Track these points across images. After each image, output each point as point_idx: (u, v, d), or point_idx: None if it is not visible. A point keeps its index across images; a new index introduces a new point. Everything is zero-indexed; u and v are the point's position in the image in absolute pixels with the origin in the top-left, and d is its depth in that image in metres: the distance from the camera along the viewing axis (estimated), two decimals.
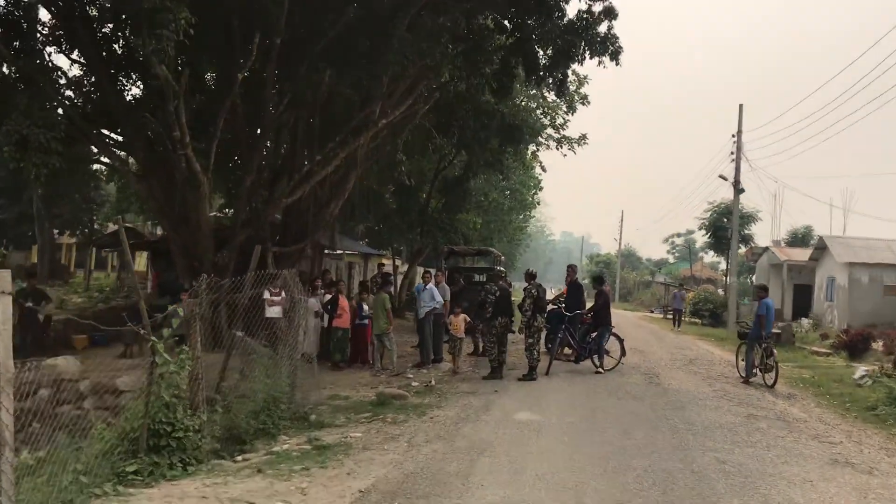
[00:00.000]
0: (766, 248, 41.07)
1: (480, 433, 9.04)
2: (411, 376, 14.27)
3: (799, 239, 48.77)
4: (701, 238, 52.72)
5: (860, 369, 15.29)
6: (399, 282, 31.06)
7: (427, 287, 15.82)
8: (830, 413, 11.60)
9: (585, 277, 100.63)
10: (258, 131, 17.29)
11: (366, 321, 15.48)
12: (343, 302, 15.43)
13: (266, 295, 15.99)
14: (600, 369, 14.66)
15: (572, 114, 35.23)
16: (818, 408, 12.06)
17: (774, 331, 17.83)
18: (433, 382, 13.23)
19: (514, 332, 14.57)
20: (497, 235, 47.72)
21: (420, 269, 29.69)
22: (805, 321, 31.48)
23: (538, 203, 55.55)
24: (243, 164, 17.17)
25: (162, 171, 16.20)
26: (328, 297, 15.86)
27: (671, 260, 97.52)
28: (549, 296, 19.01)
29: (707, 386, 13.85)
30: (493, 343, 14.00)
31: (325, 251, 29.25)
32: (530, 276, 14.27)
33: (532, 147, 35.81)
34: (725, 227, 40.46)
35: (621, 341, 15.35)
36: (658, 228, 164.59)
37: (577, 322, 15.54)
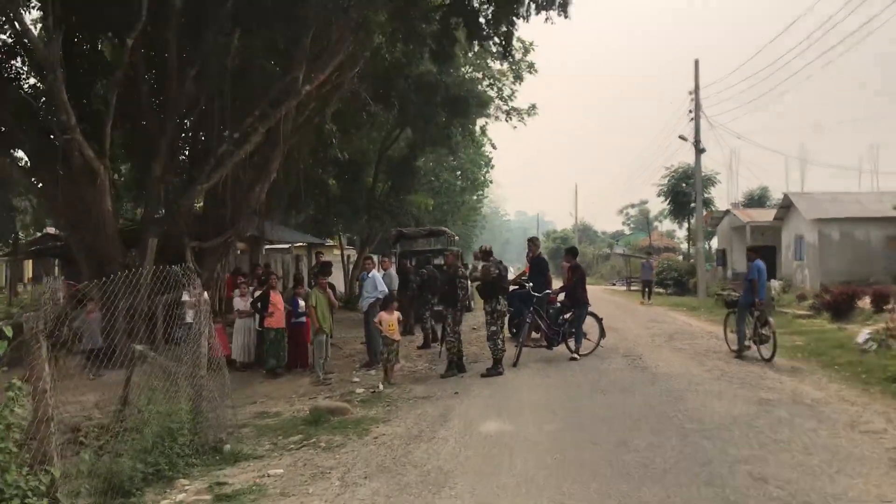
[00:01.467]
0: (727, 212, 39.74)
1: (437, 458, 7.01)
2: (357, 380, 12.20)
3: (755, 200, 47.68)
4: (659, 205, 51.56)
5: (862, 333, 13.61)
6: (350, 271, 28.86)
7: (369, 275, 13.72)
8: (849, 389, 9.83)
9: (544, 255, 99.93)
10: (164, 110, 14.96)
11: (303, 319, 13.32)
12: (275, 298, 13.26)
13: (185, 297, 13.80)
14: (576, 355, 12.74)
15: (519, 83, 33.48)
16: (833, 383, 10.29)
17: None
18: (381, 387, 11.17)
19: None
20: (451, 217, 45.84)
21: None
22: (775, 283, 30.11)
23: (490, 182, 53.79)
24: (152, 150, 14.83)
25: (53, 161, 13.81)
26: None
27: (627, 231, 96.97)
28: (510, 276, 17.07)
29: (698, 365, 12.03)
30: (456, 333, 12.01)
31: (269, 244, 26.99)
32: (486, 254, 12.27)
33: (481, 122, 33.94)
34: (685, 191, 39.07)
35: (600, 321, 13.42)
36: (612, 201, 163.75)
37: (545, 302, 13.63)
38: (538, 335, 14.01)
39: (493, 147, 48.18)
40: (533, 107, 33.80)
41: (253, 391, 12.23)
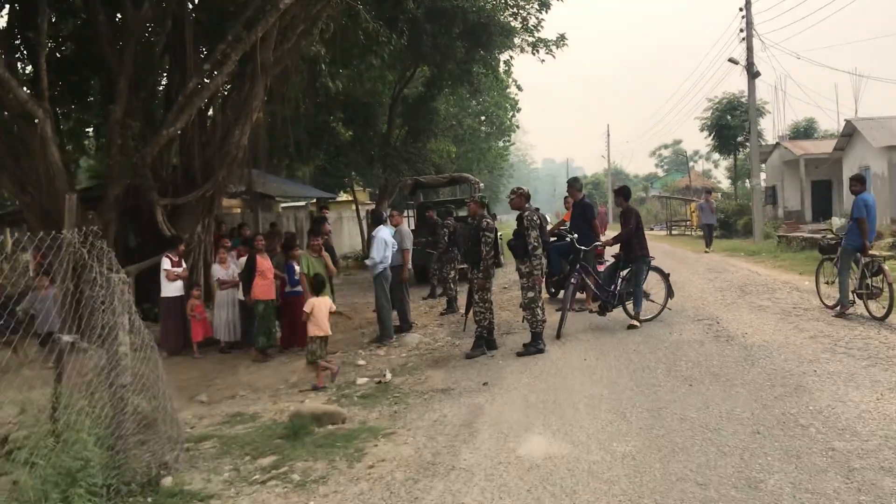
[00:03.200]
0: (776, 145, 36.45)
1: None
2: (362, 363, 9.75)
3: (801, 133, 44.13)
4: (695, 144, 48.25)
5: None
6: (367, 228, 26.34)
7: (376, 234, 11.17)
8: None
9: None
10: (121, 39, 12.40)
11: (299, 289, 10.83)
12: (263, 264, 10.79)
13: (166, 265, 11.43)
14: (636, 322, 10.14)
15: (546, 11, 30.30)
16: None
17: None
18: (388, 376, 8.67)
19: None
20: (476, 165, 43.07)
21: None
22: (836, 220, 27.11)
23: (517, 127, 50.72)
24: (110, 90, 12.34)
25: None
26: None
27: (660, 173, 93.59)
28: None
29: (795, 331, 9.36)
30: (486, 302, 9.51)
31: (283, 201, 24.50)
32: (526, 197, 9.47)
33: (504, 56, 30.83)
34: (730, 124, 35.87)
35: (666, 277, 10.77)
36: (644, 143, 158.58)
37: (592, 256, 11.03)
38: (583, 296, 11.43)
39: (519, 89, 45.20)
40: (562, 37, 30.36)
41: (235, 379, 9.87)
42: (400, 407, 7.30)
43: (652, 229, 48.29)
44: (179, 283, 11.66)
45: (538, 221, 8.95)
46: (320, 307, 8.83)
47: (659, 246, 27.60)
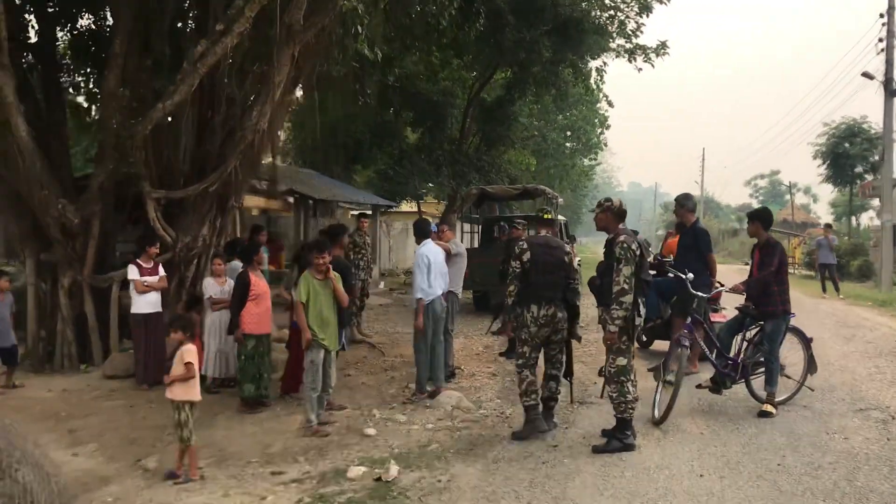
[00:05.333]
0: None
1: None
2: (372, 433, 6.93)
3: None
4: (805, 172, 43.98)
5: None
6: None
7: (418, 253, 8.34)
8: None
9: (659, 229, 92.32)
10: None
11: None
12: (259, 285, 8.12)
13: (132, 273, 9.00)
14: (769, 406, 6.99)
15: (647, 15, 27.11)
16: None
17: None
18: (393, 471, 5.68)
19: (578, 336, 6.93)
20: (559, 183, 40.09)
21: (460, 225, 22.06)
22: None
23: (605, 145, 47.37)
24: (104, 54, 10.01)
25: None
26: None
27: (755, 204, 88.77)
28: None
29: None
30: (527, 360, 6.68)
31: (340, 204, 22.04)
32: (618, 215, 6.50)
33: (596, 63, 27.72)
34: (848, 153, 31.75)
35: (808, 343, 7.59)
36: (738, 172, 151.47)
37: (705, 304, 7.96)
38: (689, 363, 8.32)
39: (610, 104, 42.07)
40: (663, 45, 27.10)
41: (207, 436, 7.20)
42: None
43: (747, 263, 44.01)
44: (154, 297, 9.15)
45: (636, 252, 5.98)
46: (181, 351, 6.02)
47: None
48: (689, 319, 7.12)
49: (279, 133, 11.39)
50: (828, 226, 22.89)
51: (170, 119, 10.58)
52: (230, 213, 11.46)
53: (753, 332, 7.27)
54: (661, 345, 10.56)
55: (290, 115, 27.20)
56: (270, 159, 11.48)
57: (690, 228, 8.83)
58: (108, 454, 6.59)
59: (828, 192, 54.33)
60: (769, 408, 6.95)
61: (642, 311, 6.13)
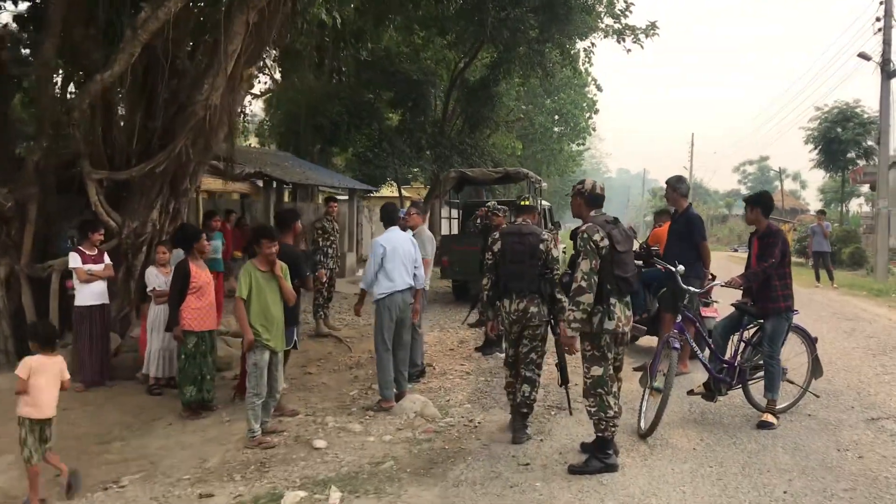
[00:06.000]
0: None
1: None
2: (322, 445, 6.10)
3: None
4: (781, 162, 43.24)
5: None
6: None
7: (375, 241, 7.49)
8: None
9: (647, 215, 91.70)
10: None
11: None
12: (200, 276, 7.26)
13: (74, 261, 8.16)
14: (770, 417, 6.19)
15: None
16: None
17: None
18: (334, 499, 4.89)
19: (557, 333, 6.07)
20: (546, 168, 39.32)
21: (444, 210, 21.07)
22: None
23: (593, 130, 46.57)
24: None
25: None
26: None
27: (743, 190, 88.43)
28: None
29: None
30: (507, 358, 6.14)
31: (321, 189, 21.09)
32: (590, 199, 5.50)
33: (584, 44, 26.79)
34: (840, 138, 31.00)
35: (812, 344, 6.74)
36: (727, 158, 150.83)
37: (696, 298, 7.15)
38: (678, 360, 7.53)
39: (599, 88, 41.31)
40: (653, 25, 26.28)
41: (141, 445, 6.42)
42: None
43: (736, 250, 43.47)
44: (99, 287, 8.29)
45: (598, 244, 5.12)
46: (46, 370, 5.24)
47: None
48: (679, 317, 6.28)
49: (239, 109, 10.40)
50: (821, 212, 22.17)
51: (121, 94, 9.71)
52: (184, 197, 10.55)
53: (751, 331, 6.45)
54: (647, 340, 9.79)
55: (265, 95, 26.30)
56: (227, 138, 10.54)
57: (683, 214, 8.01)
58: (24, 468, 5.76)
59: (817, 178, 53.65)
60: (770, 417, 6.15)
61: (625, 311, 5.27)
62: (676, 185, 8.12)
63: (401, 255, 7.34)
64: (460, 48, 22.11)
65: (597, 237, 5.11)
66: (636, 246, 6.41)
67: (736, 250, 43.62)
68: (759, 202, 6.58)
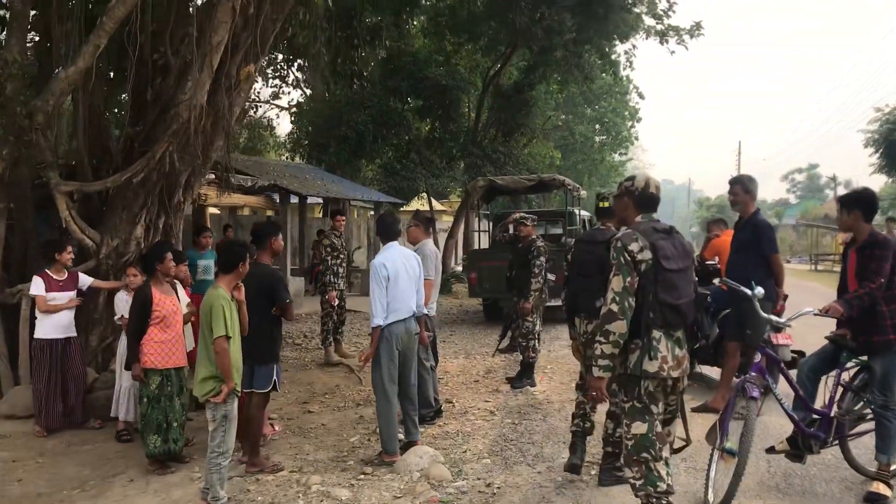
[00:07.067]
0: None
1: None
2: None
3: None
4: (858, 161, 41.08)
5: None
6: (443, 242, 21.46)
7: (375, 262, 6.16)
8: None
9: (693, 226, 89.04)
10: None
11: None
12: (164, 304, 6.04)
13: (36, 287, 7.08)
14: (882, 487, 4.69)
15: None
16: None
17: None
18: None
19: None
20: (587, 179, 37.88)
21: (485, 223, 19.68)
22: None
23: (636, 139, 44.99)
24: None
25: None
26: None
27: (792, 200, 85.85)
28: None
29: None
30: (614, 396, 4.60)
31: (352, 203, 19.95)
32: (648, 201, 4.11)
33: (625, 46, 25.33)
34: None
35: None
36: (774, 167, 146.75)
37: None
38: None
39: (641, 97, 39.90)
40: (698, 25, 24.77)
41: None
42: None
43: (789, 261, 41.33)
44: (65, 318, 7.14)
45: (633, 256, 3.81)
46: None
47: (806, 285, 21.52)
48: (757, 357, 4.84)
49: (237, 110, 9.27)
50: (891, 219, 20.29)
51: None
52: (178, 212, 9.41)
53: (852, 372, 5.00)
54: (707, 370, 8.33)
55: (291, 108, 25.34)
56: (222, 144, 9.38)
57: (749, 220, 6.56)
58: None
59: (875, 186, 51.05)
60: (881, 488, 4.67)
61: (673, 350, 3.88)
62: (748, 185, 6.58)
63: (408, 278, 6.06)
64: (492, 52, 20.90)
65: (634, 247, 3.82)
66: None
67: (789, 261, 41.49)
68: (859, 203, 5.06)
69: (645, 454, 3.82)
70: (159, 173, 8.23)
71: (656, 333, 3.79)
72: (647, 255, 3.79)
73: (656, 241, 3.83)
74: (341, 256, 9.99)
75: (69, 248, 7.49)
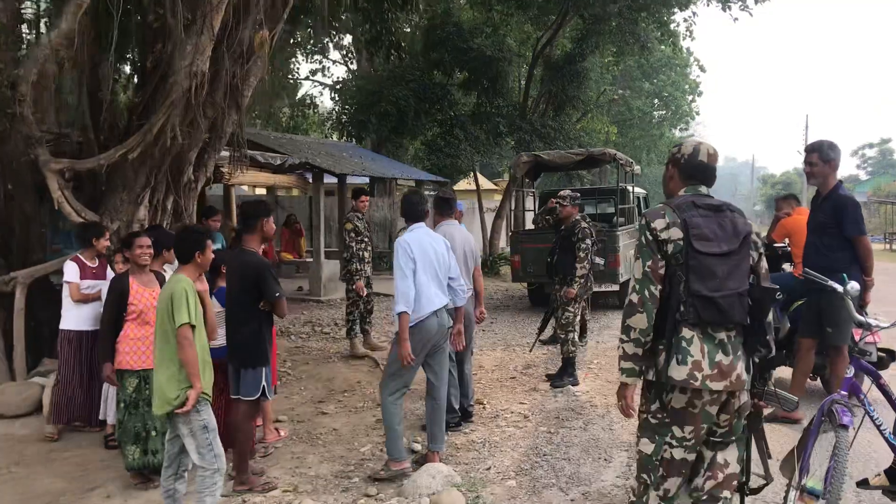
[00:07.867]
0: None
1: None
2: None
3: None
4: None
5: None
6: (491, 222, 20.48)
7: (399, 243, 5.28)
8: None
9: (756, 205, 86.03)
10: None
11: (222, 341, 5.24)
12: (141, 296, 5.26)
13: (70, 273, 6.17)
14: None
15: None
16: None
17: None
18: None
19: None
20: (646, 155, 36.50)
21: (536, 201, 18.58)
22: None
23: (697, 114, 43.15)
24: None
25: None
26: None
27: (862, 176, 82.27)
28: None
29: None
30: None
31: (393, 180, 19.16)
32: (696, 170, 3.13)
33: (684, 15, 23.81)
34: None
35: None
36: (843, 141, 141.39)
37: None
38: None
39: (702, 69, 38.29)
40: None
41: None
42: None
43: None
44: (93, 310, 6.35)
45: (658, 237, 2.96)
46: None
47: (884, 267, 19.84)
48: (850, 368, 3.79)
49: (253, 81, 8.50)
50: None
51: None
52: (190, 191, 8.70)
53: None
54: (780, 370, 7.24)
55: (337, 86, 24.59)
56: (235, 118, 8.59)
57: (829, 196, 5.45)
58: None
59: None
60: None
61: (711, 355, 2.90)
62: (828, 153, 5.43)
63: (437, 263, 5.17)
64: (542, 22, 19.73)
65: (658, 223, 2.98)
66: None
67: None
68: None
69: (644, 475, 3.05)
70: (161, 149, 7.49)
71: (687, 332, 2.89)
72: (676, 233, 2.93)
73: (690, 217, 2.93)
74: (365, 241, 9.14)
75: (107, 234, 6.78)
